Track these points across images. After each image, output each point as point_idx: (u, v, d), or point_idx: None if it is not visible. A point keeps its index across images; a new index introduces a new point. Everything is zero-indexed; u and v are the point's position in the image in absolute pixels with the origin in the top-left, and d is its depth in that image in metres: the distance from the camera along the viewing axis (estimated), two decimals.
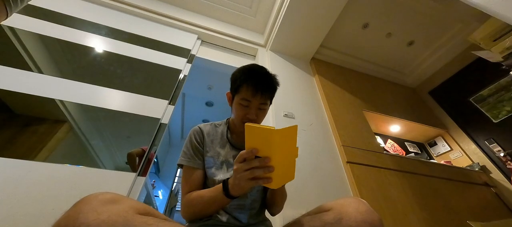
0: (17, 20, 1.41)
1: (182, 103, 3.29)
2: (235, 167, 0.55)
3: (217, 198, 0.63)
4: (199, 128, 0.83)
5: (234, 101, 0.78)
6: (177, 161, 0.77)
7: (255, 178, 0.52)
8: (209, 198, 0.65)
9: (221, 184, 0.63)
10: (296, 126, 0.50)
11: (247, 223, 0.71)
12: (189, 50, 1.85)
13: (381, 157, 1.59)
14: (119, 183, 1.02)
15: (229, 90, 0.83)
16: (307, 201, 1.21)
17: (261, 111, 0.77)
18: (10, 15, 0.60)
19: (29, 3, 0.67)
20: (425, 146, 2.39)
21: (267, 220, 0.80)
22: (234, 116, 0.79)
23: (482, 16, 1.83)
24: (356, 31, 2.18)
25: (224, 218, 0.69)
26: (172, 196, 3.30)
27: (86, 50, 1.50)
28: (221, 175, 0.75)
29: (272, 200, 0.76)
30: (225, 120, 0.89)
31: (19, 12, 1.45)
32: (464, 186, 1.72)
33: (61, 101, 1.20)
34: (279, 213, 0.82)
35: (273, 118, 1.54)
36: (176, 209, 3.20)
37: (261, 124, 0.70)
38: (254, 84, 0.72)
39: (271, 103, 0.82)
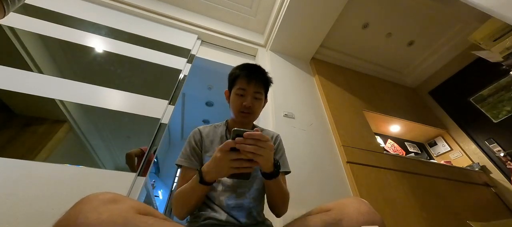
0: (17, 20, 1.41)
1: (182, 103, 3.29)
2: (219, 154, 0.57)
3: (193, 187, 0.65)
4: (198, 129, 0.87)
5: (231, 94, 0.84)
6: (175, 161, 0.79)
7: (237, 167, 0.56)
8: (188, 188, 0.67)
9: (197, 174, 0.64)
10: None
11: (246, 222, 0.71)
12: (189, 50, 1.85)
13: (381, 157, 1.59)
14: (119, 183, 1.02)
15: (226, 89, 0.89)
16: (307, 201, 1.21)
17: (257, 101, 0.81)
18: (8, 13, 0.60)
19: (29, 3, 0.67)
20: (425, 146, 2.39)
21: (267, 220, 0.80)
22: (232, 107, 0.83)
23: (482, 16, 1.83)
24: (356, 31, 2.18)
25: (223, 216, 0.69)
26: (172, 196, 3.30)
27: (86, 50, 1.50)
28: None
29: (270, 199, 0.76)
30: (224, 121, 0.92)
31: (19, 12, 1.45)
32: (464, 186, 1.72)
33: (61, 101, 1.20)
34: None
35: (273, 118, 1.54)
36: None
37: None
38: (248, 74, 0.80)
39: (266, 98, 0.87)
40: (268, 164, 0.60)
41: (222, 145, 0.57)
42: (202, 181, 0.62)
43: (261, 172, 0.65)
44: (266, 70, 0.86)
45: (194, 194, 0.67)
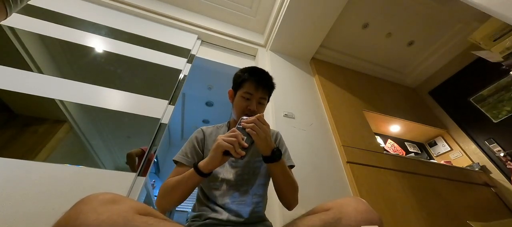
0: (17, 20, 1.41)
1: (182, 103, 3.29)
2: (219, 136, 0.64)
3: (186, 176, 0.67)
4: (201, 129, 0.89)
5: (236, 96, 0.85)
6: (173, 157, 0.80)
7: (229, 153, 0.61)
8: (181, 177, 0.68)
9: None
10: None
11: (249, 218, 0.72)
12: (189, 50, 1.85)
13: (381, 157, 1.59)
14: (119, 183, 1.02)
15: (230, 89, 0.91)
16: (307, 201, 1.20)
17: (261, 106, 0.84)
18: (10, 14, 0.60)
19: (29, 3, 0.67)
20: (425, 146, 2.39)
21: (267, 220, 0.81)
22: (236, 109, 0.84)
23: (482, 16, 1.83)
24: (356, 31, 2.18)
25: (223, 216, 0.69)
26: None
27: (86, 50, 1.50)
28: (223, 172, 0.78)
29: (277, 186, 0.77)
30: (226, 122, 0.94)
31: (19, 12, 1.45)
32: (464, 186, 1.72)
33: (61, 101, 1.20)
34: (282, 212, 0.82)
35: (273, 118, 1.54)
36: (176, 209, 3.20)
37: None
38: (257, 80, 0.82)
39: (268, 102, 0.89)
40: (265, 145, 0.67)
41: (227, 133, 0.65)
42: (196, 168, 0.65)
43: (262, 157, 0.70)
44: (270, 75, 0.89)
45: (184, 183, 0.67)
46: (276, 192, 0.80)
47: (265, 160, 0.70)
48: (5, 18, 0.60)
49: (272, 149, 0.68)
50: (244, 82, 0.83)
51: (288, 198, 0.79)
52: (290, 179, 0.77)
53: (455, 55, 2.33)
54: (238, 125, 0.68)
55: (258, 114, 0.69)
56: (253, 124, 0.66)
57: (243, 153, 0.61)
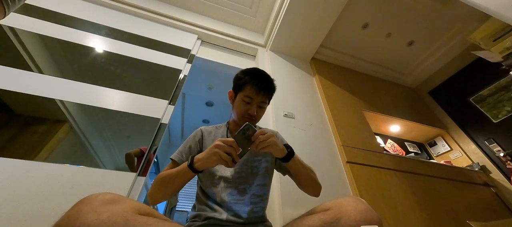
0: (17, 20, 1.41)
1: (182, 103, 3.29)
2: (218, 142, 0.63)
3: (179, 171, 0.68)
4: (200, 129, 0.89)
5: (236, 98, 0.85)
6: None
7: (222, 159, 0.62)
8: (176, 172, 0.68)
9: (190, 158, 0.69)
10: None
11: (248, 218, 0.71)
12: (189, 50, 1.85)
13: (381, 157, 1.59)
14: (119, 183, 1.02)
15: (231, 89, 0.90)
16: (306, 201, 1.20)
17: (261, 110, 0.84)
18: (8, 13, 0.60)
19: (29, 3, 0.67)
20: (425, 146, 2.39)
21: (267, 220, 0.81)
22: (236, 111, 0.85)
23: (482, 16, 1.83)
24: (356, 31, 2.18)
25: (223, 216, 0.69)
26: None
27: (86, 50, 1.50)
28: (221, 170, 0.79)
29: (300, 179, 0.81)
30: (226, 122, 0.94)
31: (19, 12, 1.45)
32: (464, 186, 1.72)
33: (61, 101, 1.20)
34: (282, 212, 0.81)
35: (273, 118, 1.54)
36: (176, 209, 3.20)
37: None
38: (258, 84, 0.81)
39: (268, 104, 0.90)
40: (279, 150, 0.69)
41: (226, 139, 0.64)
42: (191, 165, 0.65)
43: (281, 159, 0.73)
44: (272, 78, 0.88)
45: (178, 178, 0.68)
46: (301, 186, 0.83)
47: (284, 160, 0.73)
48: (3, 17, 0.60)
49: (284, 149, 0.71)
50: (245, 85, 0.82)
51: (314, 185, 0.82)
52: (308, 166, 0.80)
53: (455, 55, 2.34)
54: (238, 132, 0.66)
55: (258, 131, 0.67)
56: (258, 145, 0.66)
57: (234, 165, 0.64)
